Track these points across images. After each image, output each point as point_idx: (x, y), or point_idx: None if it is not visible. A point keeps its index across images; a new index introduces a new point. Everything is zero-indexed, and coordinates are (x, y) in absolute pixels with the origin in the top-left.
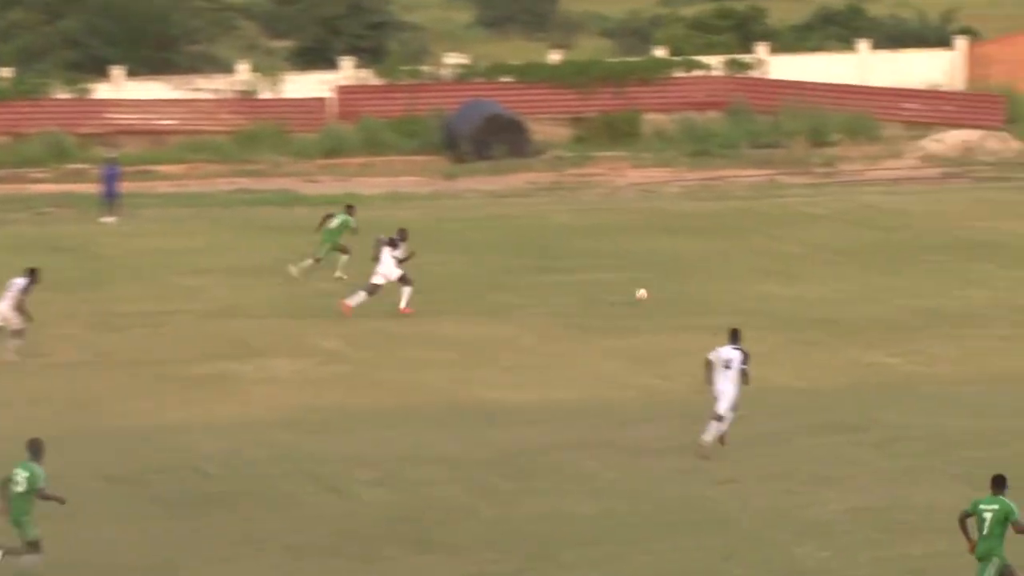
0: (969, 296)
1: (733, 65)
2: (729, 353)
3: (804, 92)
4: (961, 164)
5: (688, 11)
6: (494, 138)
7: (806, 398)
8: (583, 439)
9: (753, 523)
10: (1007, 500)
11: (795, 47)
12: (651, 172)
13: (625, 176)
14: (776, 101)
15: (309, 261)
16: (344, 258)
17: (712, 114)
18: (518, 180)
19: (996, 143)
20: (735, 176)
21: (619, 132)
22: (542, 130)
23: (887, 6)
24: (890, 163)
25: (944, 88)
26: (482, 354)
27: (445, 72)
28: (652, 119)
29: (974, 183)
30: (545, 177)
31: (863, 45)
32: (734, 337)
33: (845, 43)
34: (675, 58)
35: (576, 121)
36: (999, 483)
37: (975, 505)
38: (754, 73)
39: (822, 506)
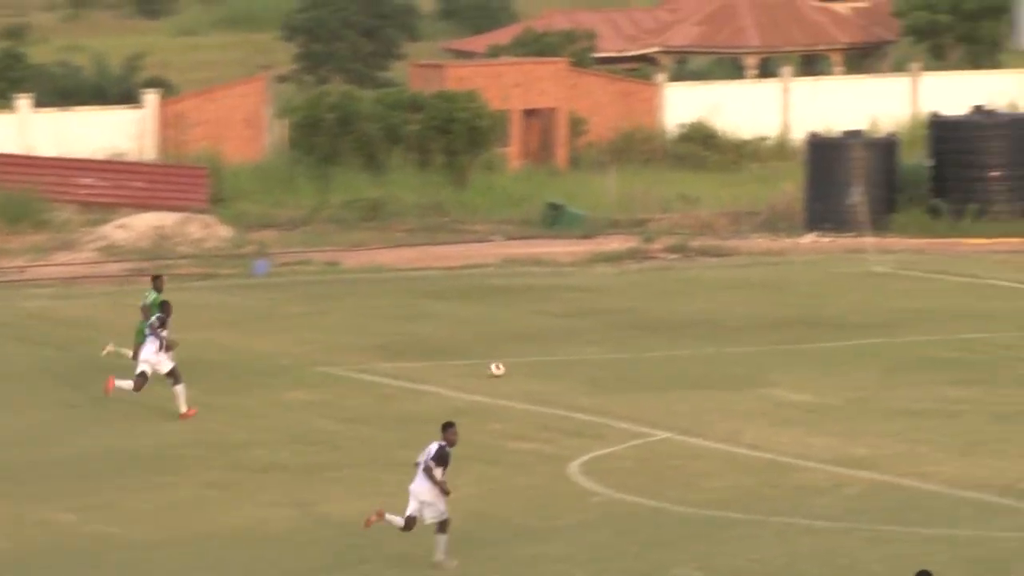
0: (162, 431)
1: None
2: (429, 446)
3: None
4: (155, 257)
5: None
6: None
7: None
8: None
9: None
10: None
11: None
12: None
13: None
14: None
15: None
16: None
17: None
18: None
19: (199, 229)
20: None
21: None
22: None
23: (53, 50)
24: (63, 256)
25: (131, 158)
26: None
27: None
28: None
29: (172, 282)
30: None
31: (24, 102)
32: (444, 429)
33: (2, 99)
34: None
35: None
36: None
37: None
38: None
39: None
